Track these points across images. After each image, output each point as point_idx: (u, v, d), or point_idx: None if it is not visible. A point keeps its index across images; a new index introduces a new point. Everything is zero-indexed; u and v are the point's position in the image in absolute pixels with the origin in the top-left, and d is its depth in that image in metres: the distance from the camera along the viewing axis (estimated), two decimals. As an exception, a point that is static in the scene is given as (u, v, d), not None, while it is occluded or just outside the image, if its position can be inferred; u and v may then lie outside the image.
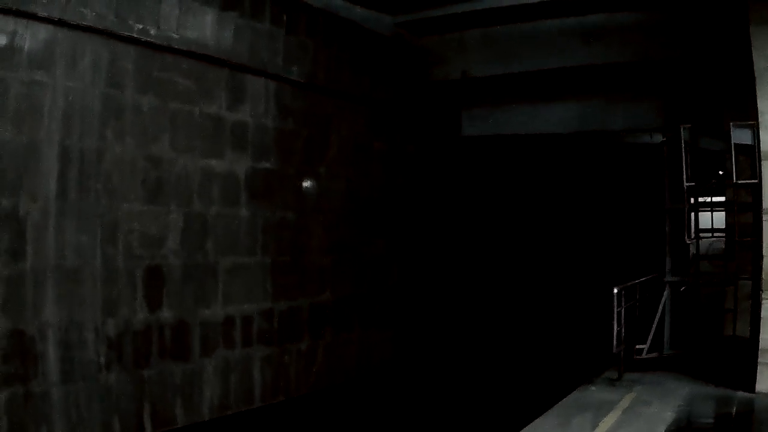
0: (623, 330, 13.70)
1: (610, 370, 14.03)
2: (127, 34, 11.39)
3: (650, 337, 15.49)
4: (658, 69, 16.52)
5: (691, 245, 15.67)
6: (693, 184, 14.66)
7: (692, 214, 15.24)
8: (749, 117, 12.55)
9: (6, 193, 10.01)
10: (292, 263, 14.81)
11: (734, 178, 13.26)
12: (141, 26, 11.58)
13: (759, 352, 12.04)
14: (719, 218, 16.87)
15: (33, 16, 10.15)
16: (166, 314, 12.19)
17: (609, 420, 10.77)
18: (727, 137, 13.29)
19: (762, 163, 12.28)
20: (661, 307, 15.54)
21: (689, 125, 14.80)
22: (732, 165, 13.23)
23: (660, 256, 16.05)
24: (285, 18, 14.39)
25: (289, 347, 14.65)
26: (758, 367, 12.01)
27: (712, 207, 17.26)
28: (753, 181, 12.90)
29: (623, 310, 13.72)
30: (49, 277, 10.51)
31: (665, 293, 15.52)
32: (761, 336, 12.02)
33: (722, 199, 16.67)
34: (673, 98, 17.20)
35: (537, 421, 10.98)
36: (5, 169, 10.00)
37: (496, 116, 20.09)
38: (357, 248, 16.72)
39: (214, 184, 13.11)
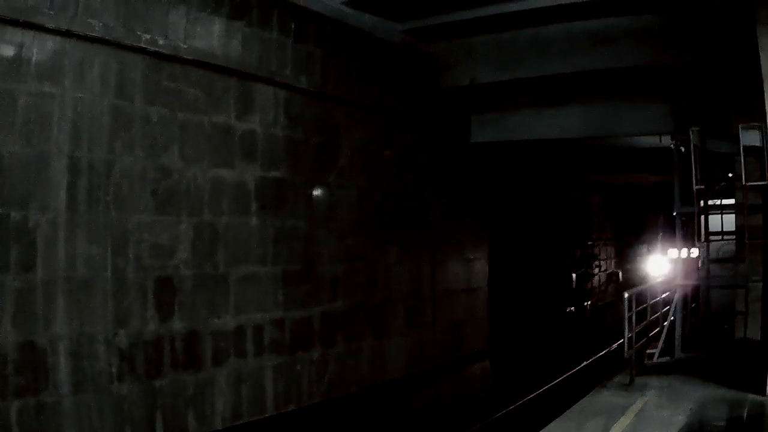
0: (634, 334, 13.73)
1: (622, 374, 14.03)
2: (135, 44, 11.40)
3: (661, 341, 15.48)
4: (666, 73, 16.48)
5: (701, 248, 15.67)
6: (702, 187, 14.66)
7: (702, 217, 15.23)
8: (757, 118, 12.54)
9: (16, 206, 10.03)
10: (303, 272, 14.78)
11: (743, 180, 13.26)
12: (149, 36, 11.60)
13: (770, 355, 12.07)
14: (729, 221, 16.86)
15: (41, 28, 10.18)
16: (177, 325, 12.18)
17: (621, 424, 10.79)
18: (736, 139, 13.30)
19: (771, 164, 12.32)
20: (672, 310, 15.53)
21: (698, 128, 14.81)
22: (741, 167, 13.23)
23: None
24: (293, 27, 14.39)
25: (301, 356, 14.63)
26: (769, 370, 12.02)
27: (722, 209, 17.24)
28: (762, 182, 12.91)
29: (634, 314, 13.73)
30: (60, 288, 10.52)
31: (676, 296, 15.51)
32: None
33: (732, 201, 16.65)
34: (681, 101, 17.14)
35: (550, 425, 11.03)
36: (15, 181, 10.03)
37: (505, 122, 20.09)
38: (369, 257, 16.68)
39: (224, 194, 13.09)
